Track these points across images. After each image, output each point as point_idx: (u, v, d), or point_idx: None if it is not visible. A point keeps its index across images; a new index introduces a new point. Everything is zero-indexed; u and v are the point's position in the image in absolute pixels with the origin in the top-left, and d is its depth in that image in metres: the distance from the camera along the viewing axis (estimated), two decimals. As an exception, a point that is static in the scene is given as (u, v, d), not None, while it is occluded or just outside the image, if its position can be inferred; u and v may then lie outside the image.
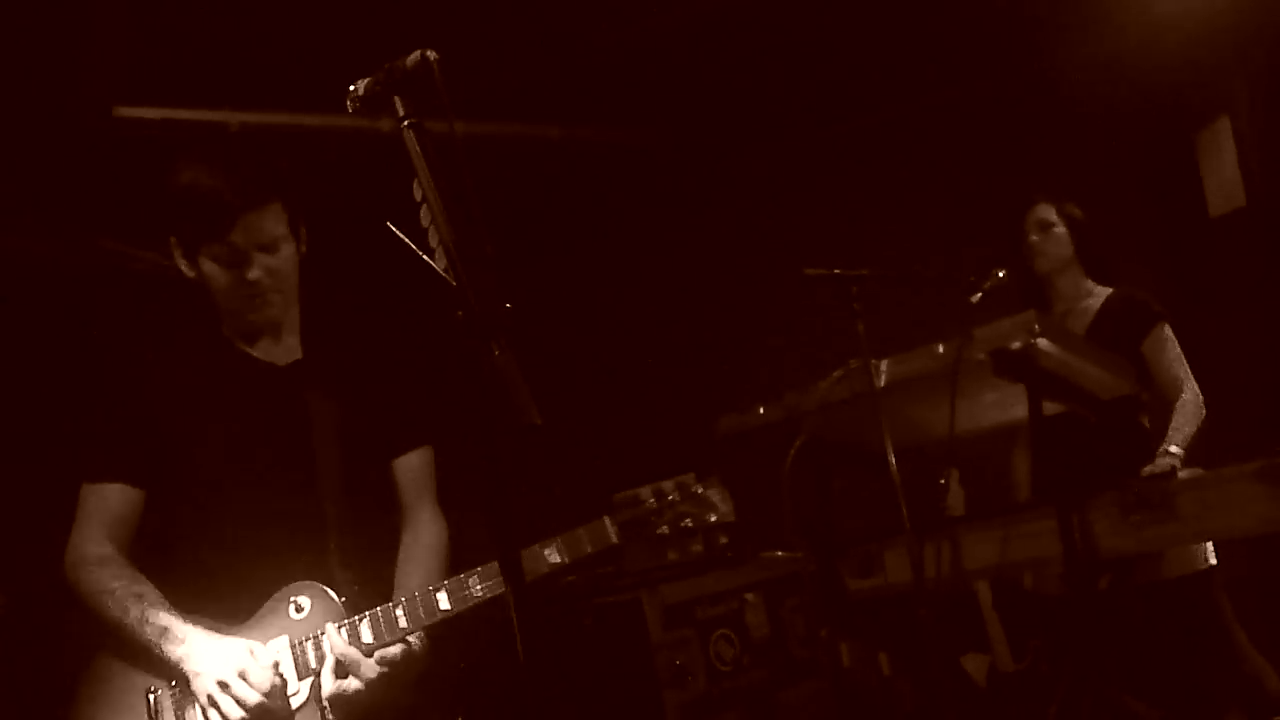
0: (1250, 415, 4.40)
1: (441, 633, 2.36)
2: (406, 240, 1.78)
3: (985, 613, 4.20)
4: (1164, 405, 3.76)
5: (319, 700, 2.27)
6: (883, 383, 3.06)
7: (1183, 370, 3.77)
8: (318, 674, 2.28)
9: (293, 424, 2.43)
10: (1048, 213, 3.98)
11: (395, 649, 2.30)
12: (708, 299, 5.51)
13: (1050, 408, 3.06)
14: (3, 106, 3.93)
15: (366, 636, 2.28)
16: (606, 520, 2.30)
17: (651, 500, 2.32)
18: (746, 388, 3.55)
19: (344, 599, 2.33)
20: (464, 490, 2.48)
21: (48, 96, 4.00)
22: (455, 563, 2.53)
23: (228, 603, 2.34)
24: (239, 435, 2.41)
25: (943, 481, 3.25)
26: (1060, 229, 3.95)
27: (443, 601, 2.27)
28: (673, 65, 4.86)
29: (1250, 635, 3.61)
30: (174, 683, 2.30)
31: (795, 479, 3.17)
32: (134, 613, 2.29)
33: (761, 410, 3.35)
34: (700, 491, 2.33)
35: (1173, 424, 3.68)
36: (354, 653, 2.25)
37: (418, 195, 1.77)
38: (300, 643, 2.30)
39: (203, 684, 2.22)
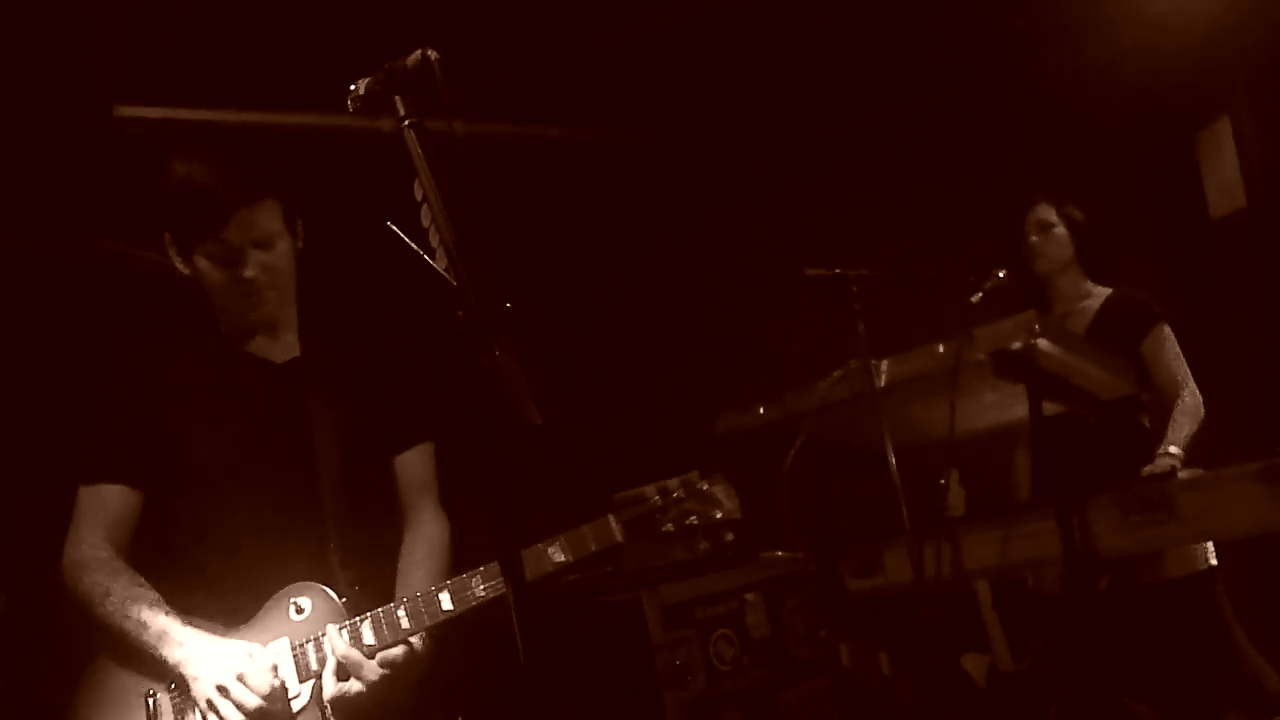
0: (1250, 415, 4.40)
1: (442, 633, 2.34)
2: (407, 240, 1.78)
3: (985, 613, 4.20)
4: (1164, 405, 3.76)
5: (320, 703, 2.25)
6: (883, 383, 3.06)
7: (1182, 371, 3.77)
8: (319, 676, 2.26)
9: (291, 422, 2.41)
10: (1048, 213, 3.98)
11: (398, 650, 2.27)
12: (708, 299, 5.50)
13: (1050, 408, 3.07)
14: (3, 106, 3.92)
15: (368, 638, 2.25)
16: (611, 518, 2.27)
17: (656, 498, 2.27)
18: (746, 388, 3.55)
19: (345, 600, 2.31)
20: (465, 490, 2.48)
21: (48, 96, 3.99)
22: (456, 563, 2.51)
23: (227, 604, 2.32)
24: (237, 434, 2.39)
25: (943, 481, 3.24)
26: (1060, 230, 3.96)
27: (445, 602, 2.25)
28: (673, 65, 4.86)
29: (1250, 635, 3.60)
30: (173, 686, 2.28)
31: (795, 479, 3.16)
32: (132, 615, 2.27)
33: (761, 410, 3.35)
34: (705, 488, 2.29)
35: (1172, 424, 3.69)
36: (356, 655, 2.22)
37: (418, 195, 1.76)
38: (301, 644, 2.28)
39: (201, 688, 2.21)
